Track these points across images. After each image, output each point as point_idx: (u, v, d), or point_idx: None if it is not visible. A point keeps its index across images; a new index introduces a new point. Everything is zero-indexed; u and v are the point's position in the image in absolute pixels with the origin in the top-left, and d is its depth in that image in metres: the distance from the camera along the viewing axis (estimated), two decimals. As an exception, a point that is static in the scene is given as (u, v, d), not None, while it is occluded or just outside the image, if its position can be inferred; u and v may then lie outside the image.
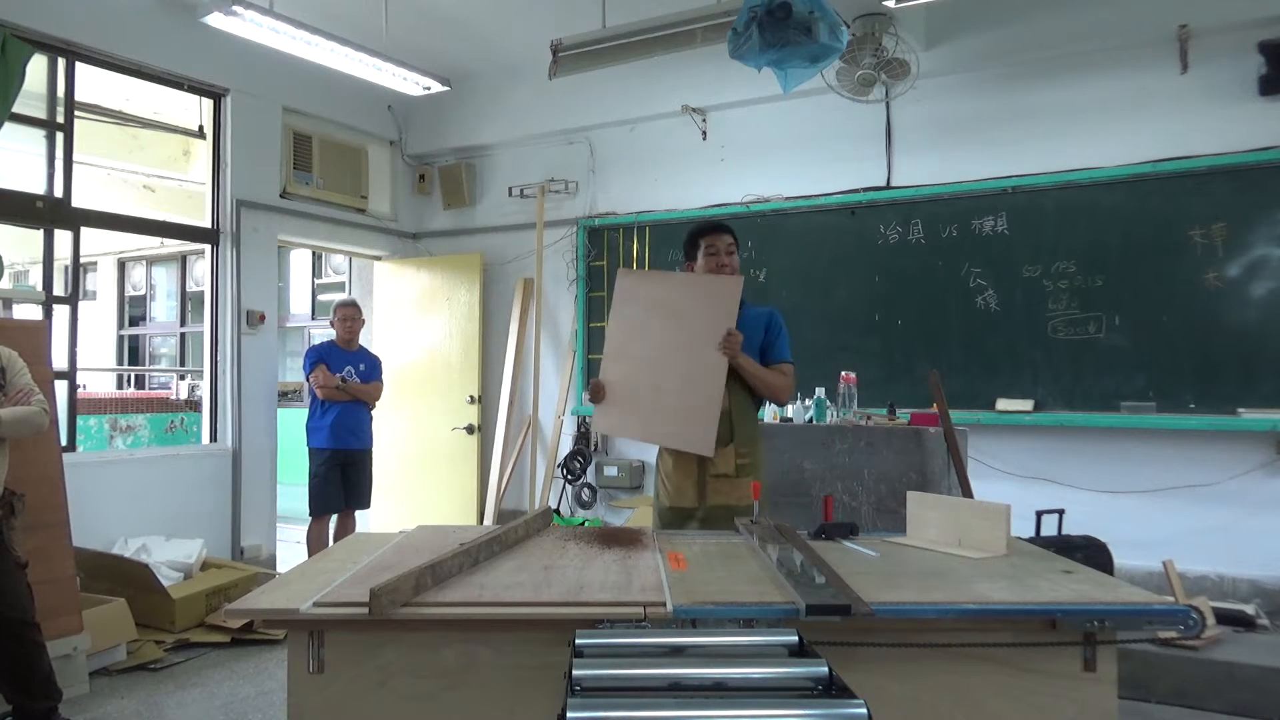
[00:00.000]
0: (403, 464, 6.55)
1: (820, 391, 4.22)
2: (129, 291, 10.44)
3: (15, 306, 4.44)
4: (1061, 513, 3.71)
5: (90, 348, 9.44)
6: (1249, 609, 3.90)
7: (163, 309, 10.32)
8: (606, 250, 6.07)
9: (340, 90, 5.80)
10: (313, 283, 9.62)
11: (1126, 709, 3.01)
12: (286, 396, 8.16)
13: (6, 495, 3.00)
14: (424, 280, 6.68)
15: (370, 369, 5.28)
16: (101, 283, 10.40)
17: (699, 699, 1.21)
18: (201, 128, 5.50)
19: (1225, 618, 3.78)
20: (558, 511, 6.00)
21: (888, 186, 5.20)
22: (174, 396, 8.76)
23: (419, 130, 6.72)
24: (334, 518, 5.16)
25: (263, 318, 5.57)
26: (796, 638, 1.42)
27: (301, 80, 5.60)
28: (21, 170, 4.65)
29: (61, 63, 4.63)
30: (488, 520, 6.18)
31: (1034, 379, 4.75)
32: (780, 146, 5.53)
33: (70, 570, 3.64)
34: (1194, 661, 3.40)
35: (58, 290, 4.66)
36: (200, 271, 9.02)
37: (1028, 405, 4.73)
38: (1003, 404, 4.78)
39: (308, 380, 5.09)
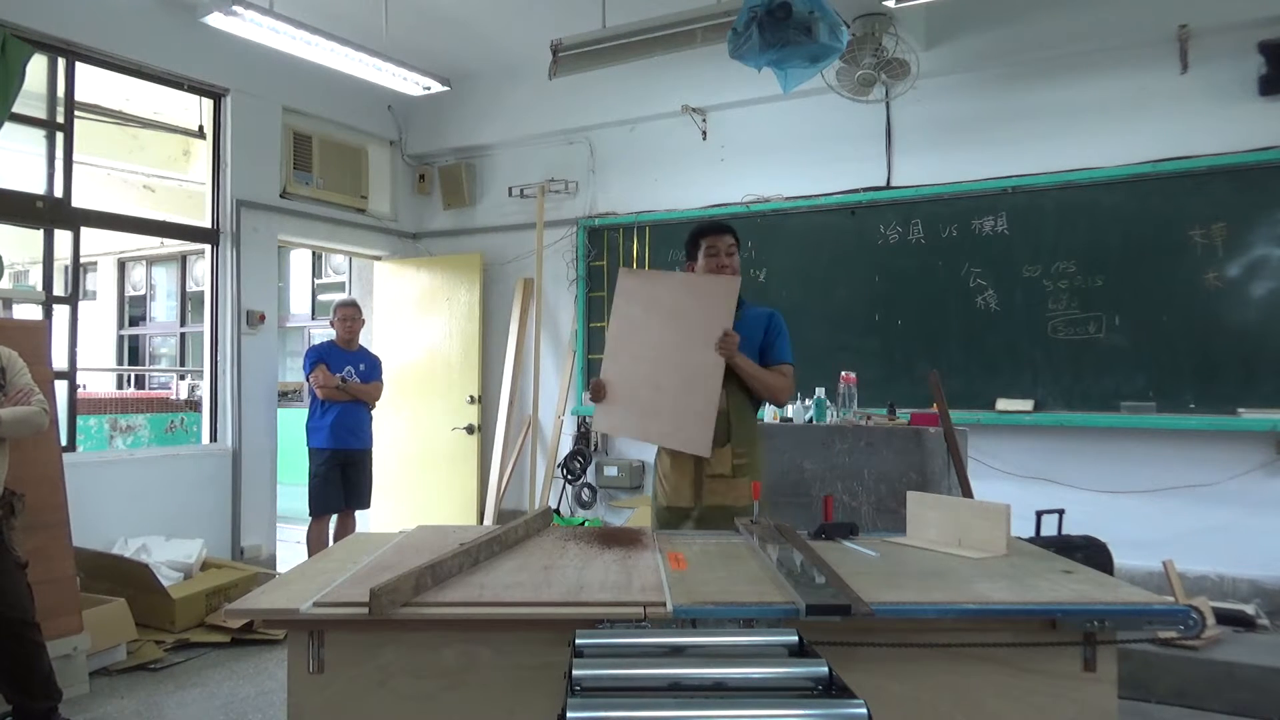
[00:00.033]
0: (403, 464, 6.55)
1: (820, 391, 4.22)
2: (129, 291, 10.44)
3: (15, 306, 4.44)
4: (1061, 513, 3.71)
5: (90, 348, 9.44)
6: (1249, 609, 3.90)
7: (163, 309, 10.32)
8: (606, 250, 6.07)
9: (340, 90, 5.81)
10: (313, 283, 9.62)
11: (1126, 709, 3.01)
12: (286, 396, 8.16)
13: (6, 495, 3.00)
14: (424, 280, 6.68)
15: (370, 369, 5.28)
16: (101, 283, 10.40)
17: (699, 699, 1.21)
18: (201, 128, 5.51)
19: (1225, 618, 3.78)
20: (558, 511, 6.00)
21: (888, 186, 5.20)
22: (174, 396, 8.76)
23: (419, 130, 6.72)
24: (334, 518, 5.16)
25: (263, 318, 5.57)
26: (796, 638, 1.42)
27: (301, 80, 5.60)
28: (21, 170, 4.65)
29: (61, 63, 4.63)
30: (488, 520, 6.18)
31: (1034, 379, 4.75)
32: (780, 146, 5.53)
33: (70, 570, 3.64)
34: (1194, 661, 3.40)
35: (58, 290, 4.66)
36: (200, 271, 9.02)
37: (1028, 405, 4.73)
38: (1003, 404, 4.78)
39: (308, 380, 5.09)
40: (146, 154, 6.43)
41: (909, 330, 5.09)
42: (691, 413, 2.80)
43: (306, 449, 5.10)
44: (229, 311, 5.44)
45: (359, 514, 5.34)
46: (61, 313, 4.63)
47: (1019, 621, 1.79)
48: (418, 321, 6.67)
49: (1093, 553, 3.45)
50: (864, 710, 1.12)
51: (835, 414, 4.11)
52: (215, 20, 4.12)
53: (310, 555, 4.32)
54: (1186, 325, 4.41)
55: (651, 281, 3.29)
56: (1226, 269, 4.33)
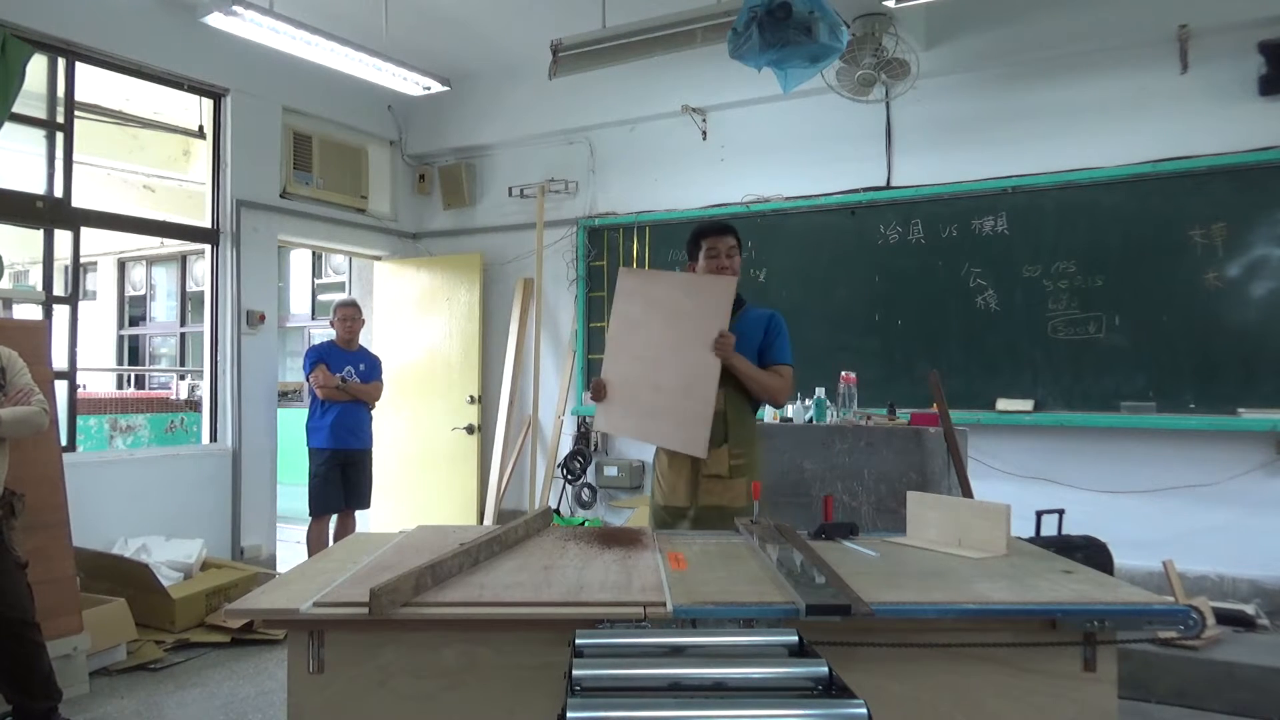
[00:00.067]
0: (403, 464, 6.55)
1: (820, 391, 4.22)
2: (129, 291, 10.44)
3: (15, 306, 4.44)
4: (1061, 513, 3.70)
5: (90, 348, 9.44)
6: (1249, 609, 3.90)
7: (163, 309, 10.32)
8: (606, 250, 6.07)
9: (340, 90, 5.81)
10: (313, 283, 9.62)
11: (1126, 709, 3.01)
12: (286, 396, 8.16)
13: (6, 495, 3.00)
14: (424, 280, 6.68)
15: (370, 369, 5.28)
16: (101, 283, 10.40)
17: (699, 699, 1.21)
18: (201, 128, 5.51)
19: (1225, 618, 3.78)
20: (558, 511, 6.00)
21: (888, 186, 5.20)
22: (174, 396, 8.76)
23: (419, 130, 6.72)
24: (334, 518, 5.16)
25: (263, 318, 5.57)
26: (796, 638, 1.42)
27: (301, 80, 5.60)
28: (21, 170, 4.65)
29: (61, 63, 4.63)
30: (488, 520, 6.18)
31: (1034, 379, 4.75)
32: (780, 146, 5.53)
33: (70, 570, 3.64)
34: (1194, 661, 3.40)
35: (58, 290, 4.66)
36: (200, 271, 9.02)
37: (1028, 405, 4.73)
38: (1003, 404, 4.78)
39: (308, 380, 5.09)
40: (146, 154, 6.43)
41: (909, 330, 5.09)
42: (688, 413, 2.79)
43: (306, 449, 5.10)
44: (229, 311, 5.44)
45: (359, 514, 5.34)
46: (61, 313, 4.63)
47: (1019, 621, 1.79)
48: (418, 321, 6.67)
49: (1093, 553, 3.45)
50: (864, 710, 1.12)
51: (835, 414, 4.11)
52: (215, 20, 4.12)
53: (310, 555, 4.32)
54: (1186, 325, 4.41)
55: (650, 281, 3.29)
56: (1226, 269, 4.33)
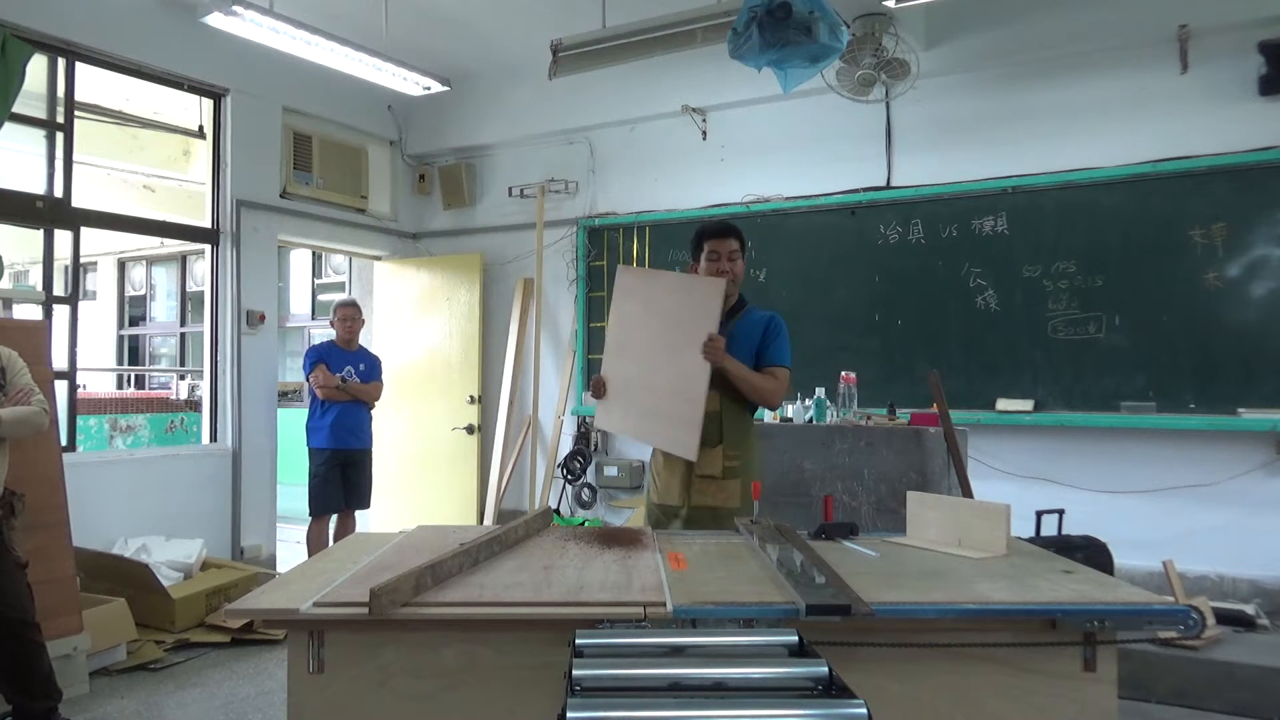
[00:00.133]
0: (403, 464, 6.55)
1: (820, 391, 4.22)
2: (129, 291, 10.44)
3: (15, 306, 4.44)
4: (1061, 513, 3.70)
5: (90, 348, 9.44)
6: (1249, 609, 3.89)
7: (163, 309, 10.32)
8: (606, 250, 6.07)
9: (340, 90, 5.81)
10: (313, 283, 9.62)
11: (1126, 709, 3.00)
12: (286, 396, 8.16)
13: (6, 495, 3.00)
14: (424, 280, 6.68)
15: (370, 369, 5.28)
16: (101, 283, 10.40)
17: (699, 699, 1.21)
18: (201, 128, 5.51)
19: (1225, 618, 3.78)
20: (558, 511, 6.00)
21: (888, 186, 5.20)
22: (174, 396, 8.76)
23: (419, 130, 6.72)
24: (334, 518, 5.16)
25: (263, 318, 5.57)
26: (796, 638, 1.42)
27: (301, 80, 5.60)
28: (21, 170, 4.65)
29: (61, 63, 4.63)
30: (488, 520, 6.18)
31: (1034, 379, 4.75)
32: (780, 146, 5.53)
33: (70, 570, 3.64)
34: (1194, 661, 3.40)
35: (58, 290, 4.67)
36: (200, 271, 9.02)
37: (1028, 405, 4.73)
38: (1003, 404, 4.78)
39: (308, 380, 5.10)
40: (146, 154, 6.43)
41: (909, 330, 5.09)
42: (679, 416, 2.78)
43: (306, 449, 5.10)
44: (229, 311, 5.44)
45: (359, 514, 5.34)
46: (61, 313, 4.63)
47: (1019, 621, 1.79)
48: (418, 321, 6.67)
49: (1093, 553, 3.45)
50: (864, 710, 1.12)
51: (835, 414, 4.11)
52: (215, 20, 4.12)
53: (310, 555, 4.32)
54: (1186, 325, 4.41)
55: (648, 280, 3.30)
56: (1226, 269, 4.33)
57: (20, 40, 4.26)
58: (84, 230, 4.75)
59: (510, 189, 6.47)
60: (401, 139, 6.74)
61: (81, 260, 4.95)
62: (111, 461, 5.07)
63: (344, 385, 5.06)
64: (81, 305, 4.87)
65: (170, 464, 5.16)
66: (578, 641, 1.41)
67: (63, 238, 4.64)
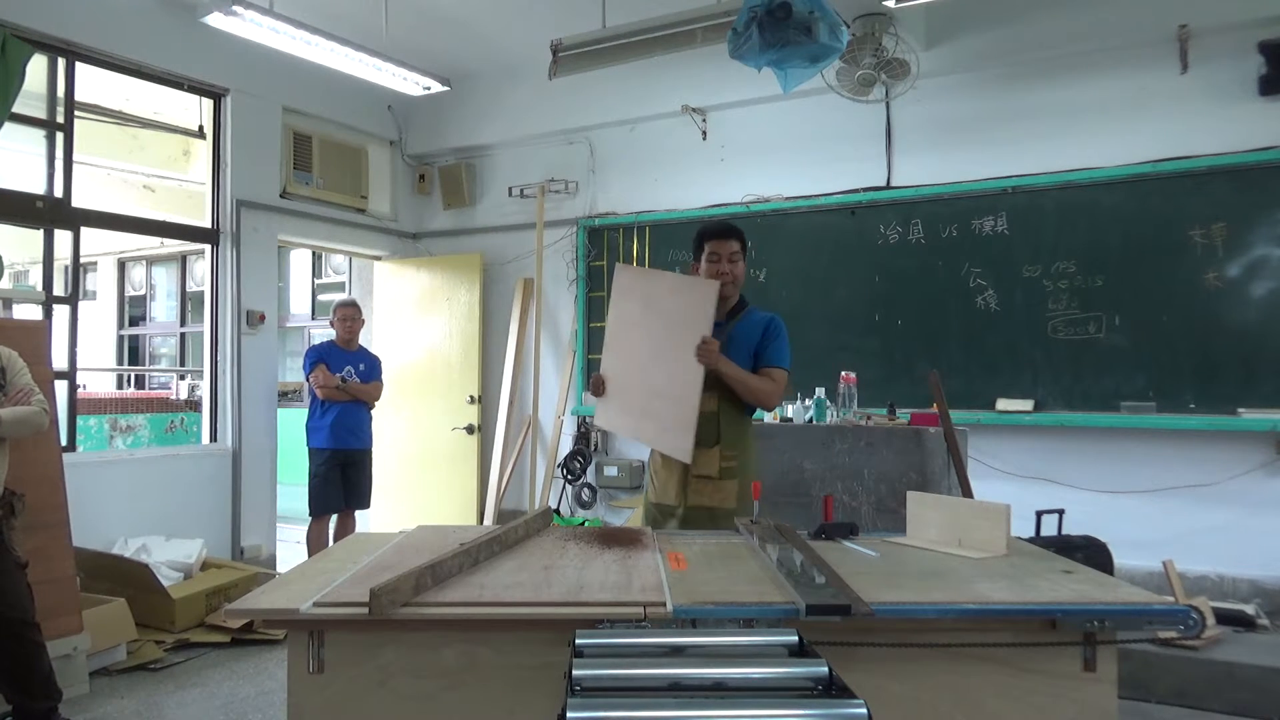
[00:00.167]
0: (403, 464, 6.55)
1: (820, 391, 4.22)
2: (129, 291, 10.44)
3: (15, 306, 4.44)
4: (1061, 513, 3.70)
5: (90, 348, 9.44)
6: (1249, 609, 3.90)
7: (163, 309, 10.32)
8: (606, 250, 6.07)
9: (340, 90, 5.81)
10: (313, 283, 9.62)
11: (1126, 709, 3.00)
12: (286, 396, 8.16)
13: (6, 495, 3.00)
14: (424, 280, 6.68)
15: (370, 369, 5.28)
16: (101, 283, 10.41)
17: (699, 699, 1.21)
18: (201, 128, 5.51)
19: (1225, 618, 3.78)
20: (558, 511, 6.00)
21: (888, 186, 5.20)
22: (174, 396, 8.76)
23: (419, 130, 6.72)
24: (334, 518, 5.16)
25: (263, 318, 5.57)
26: (796, 638, 1.42)
27: (301, 80, 5.60)
28: (21, 170, 4.65)
29: (61, 63, 4.63)
30: (488, 520, 6.18)
31: (1034, 379, 4.75)
32: (780, 146, 5.53)
33: (70, 570, 3.64)
34: (1194, 661, 3.40)
35: (58, 290, 4.66)
36: (200, 271, 9.02)
37: (1028, 405, 4.73)
38: (1003, 404, 4.78)
39: (308, 380, 5.10)
40: (146, 154, 6.43)
41: (909, 330, 5.09)
42: (674, 417, 2.77)
43: (306, 449, 5.10)
44: (229, 311, 5.44)
45: (359, 514, 5.34)
46: (61, 313, 4.63)
47: (1019, 621, 1.79)
48: (418, 321, 6.67)
49: (1093, 553, 3.45)
50: (864, 710, 1.12)
51: (835, 414, 4.11)
52: (215, 20, 4.12)
53: (310, 555, 4.32)
54: (1186, 325, 4.41)
55: (645, 279, 3.30)
56: (1226, 269, 4.33)
57: (20, 40, 4.26)
58: (84, 230, 4.75)
59: (510, 189, 6.47)
60: (401, 139, 6.74)
61: (81, 260, 4.95)
62: (111, 461, 5.07)
63: (344, 385, 5.06)
64: (81, 305, 4.87)
65: (170, 464, 5.16)
66: (578, 641, 1.41)
67: (63, 238, 4.64)
